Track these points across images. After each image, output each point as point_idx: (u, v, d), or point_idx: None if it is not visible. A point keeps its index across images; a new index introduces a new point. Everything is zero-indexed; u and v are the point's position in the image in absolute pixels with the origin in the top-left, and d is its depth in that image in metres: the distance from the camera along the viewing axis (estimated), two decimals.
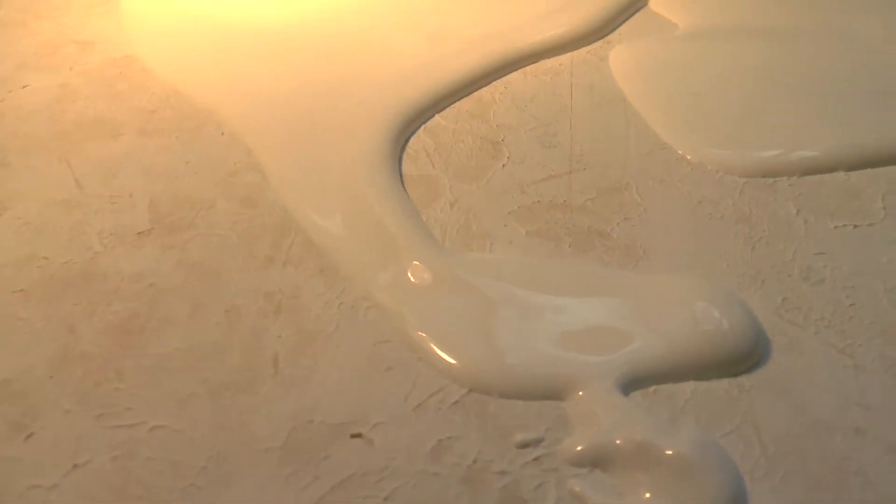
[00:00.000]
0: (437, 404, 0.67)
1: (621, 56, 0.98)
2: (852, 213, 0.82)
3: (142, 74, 1.04)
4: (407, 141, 0.90)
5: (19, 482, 0.62)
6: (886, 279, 0.75)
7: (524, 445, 0.64)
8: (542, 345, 0.69)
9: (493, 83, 0.98)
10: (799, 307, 0.73)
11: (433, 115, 0.93)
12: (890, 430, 0.64)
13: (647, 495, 0.60)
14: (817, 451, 0.64)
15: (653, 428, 0.63)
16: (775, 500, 0.61)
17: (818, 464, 0.63)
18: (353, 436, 0.65)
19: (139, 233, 0.82)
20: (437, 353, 0.68)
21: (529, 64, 1.00)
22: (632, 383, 0.67)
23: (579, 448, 0.63)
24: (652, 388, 0.67)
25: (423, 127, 0.92)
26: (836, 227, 0.80)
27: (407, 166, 0.88)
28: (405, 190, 0.84)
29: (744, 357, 0.68)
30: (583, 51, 1.03)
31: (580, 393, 0.66)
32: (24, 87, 1.02)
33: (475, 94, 0.97)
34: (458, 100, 0.95)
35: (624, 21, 1.07)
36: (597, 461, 0.62)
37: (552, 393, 0.66)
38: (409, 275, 0.75)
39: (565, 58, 1.02)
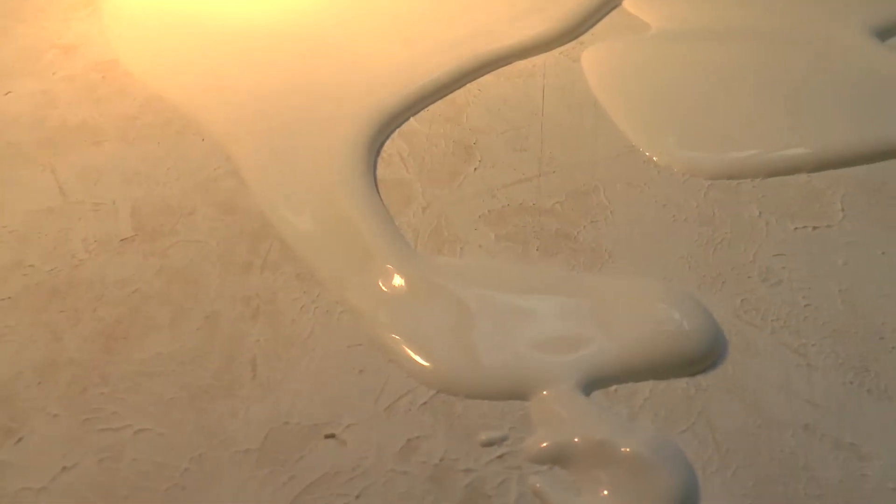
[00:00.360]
0: (407, 405, 0.70)
1: (593, 57, 1.00)
2: (812, 214, 0.84)
3: (124, 79, 1.06)
4: (382, 145, 0.93)
5: (9, 485, 0.65)
6: (841, 280, 0.78)
7: (489, 444, 0.67)
8: (506, 347, 0.71)
9: (467, 85, 1.00)
10: (757, 308, 0.76)
11: (408, 119, 0.95)
12: (836, 426, 0.68)
13: (605, 492, 0.64)
14: (768, 447, 0.67)
15: (611, 427, 0.66)
16: (726, 494, 0.64)
17: (768, 459, 0.66)
18: (327, 436, 0.68)
19: (122, 240, 0.85)
20: (406, 356, 0.71)
21: (503, 66, 1.02)
22: (593, 383, 0.70)
23: (541, 446, 0.66)
24: (613, 388, 0.71)
25: (397, 131, 0.95)
26: (796, 228, 0.83)
27: (382, 170, 0.91)
28: (379, 195, 0.87)
29: (701, 358, 0.71)
30: (556, 52, 1.05)
31: (543, 393, 0.69)
32: (6, 94, 1.03)
33: (449, 96, 0.99)
34: (433, 103, 0.97)
35: (597, 21, 1.09)
36: (557, 459, 0.65)
37: (516, 393, 0.69)
38: (381, 280, 0.78)
39: (539, 59, 1.04)
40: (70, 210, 0.88)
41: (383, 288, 0.77)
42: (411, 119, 0.96)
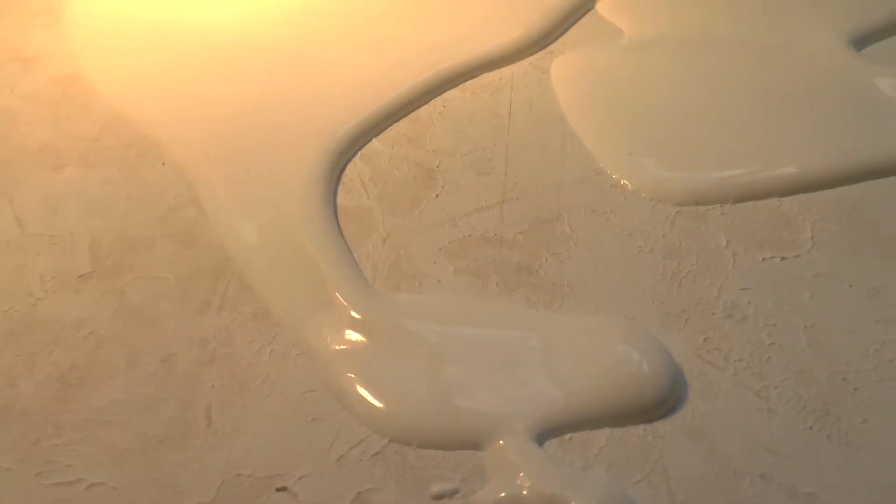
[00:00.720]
0: (359, 455, 0.69)
1: (563, 68, 0.97)
2: (781, 243, 0.82)
3: (85, 95, 1.03)
4: (343, 169, 0.90)
5: None
6: (807, 316, 0.76)
7: (439, 497, 0.67)
8: (459, 394, 0.71)
9: (432, 101, 0.97)
10: (719, 348, 0.75)
11: (370, 140, 0.93)
12: (793, 475, 0.67)
13: None
14: (723, 497, 0.66)
15: (563, 479, 0.66)
16: None
17: None
18: (279, 489, 0.68)
19: (80, 276, 0.84)
20: (359, 404, 0.71)
21: (470, 79, 0.98)
22: (547, 431, 0.69)
23: (492, 500, 0.66)
24: (568, 436, 0.70)
25: (359, 153, 0.92)
26: (763, 259, 0.81)
27: (342, 197, 0.88)
28: (339, 225, 0.85)
29: (659, 405, 0.70)
30: (525, 62, 1.01)
31: (498, 442, 0.69)
32: None
33: (414, 113, 0.96)
34: (397, 121, 0.94)
35: (569, 27, 1.04)
36: None
37: (469, 443, 0.69)
38: (337, 320, 0.76)
39: (506, 71, 1.01)
40: (27, 244, 0.87)
41: (339, 329, 0.76)
42: (374, 140, 0.93)
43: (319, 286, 0.79)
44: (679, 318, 0.77)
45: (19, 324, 0.80)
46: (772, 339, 0.75)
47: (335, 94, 0.97)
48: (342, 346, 0.75)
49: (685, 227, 0.84)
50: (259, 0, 1.13)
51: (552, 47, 1.04)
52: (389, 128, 0.95)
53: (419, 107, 0.96)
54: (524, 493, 0.65)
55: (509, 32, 1.01)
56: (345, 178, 0.91)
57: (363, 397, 0.71)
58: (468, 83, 1.00)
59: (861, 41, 0.98)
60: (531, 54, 1.02)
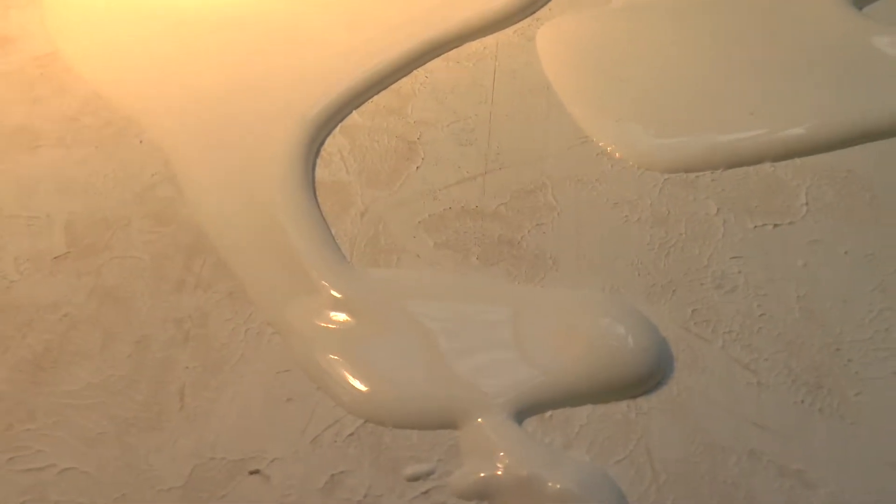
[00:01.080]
0: (334, 437, 0.68)
1: (548, 36, 0.93)
2: (774, 210, 0.78)
3: (63, 75, 1.01)
4: (322, 143, 0.88)
5: None
6: (800, 285, 0.73)
7: (415, 478, 0.65)
8: (436, 372, 0.68)
9: (415, 72, 0.94)
10: (708, 319, 0.72)
11: (350, 112, 0.90)
12: (783, 452, 0.64)
13: None
14: (709, 475, 0.64)
15: (540, 460, 0.63)
16: None
17: (708, 490, 0.63)
18: (252, 472, 0.67)
19: (55, 257, 0.82)
20: (332, 383, 0.69)
21: (453, 48, 0.95)
22: (527, 409, 0.67)
23: (467, 481, 0.64)
24: (548, 414, 0.68)
25: (339, 126, 0.90)
26: (755, 226, 0.77)
27: (321, 171, 0.86)
28: (317, 201, 0.83)
29: (643, 381, 0.68)
30: (510, 30, 0.97)
31: (475, 421, 0.66)
32: None
33: (395, 84, 0.93)
34: (378, 93, 0.92)
35: None
36: (484, 494, 0.63)
37: (445, 422, 0.67)
38: (312, 298, 0.74)
39: (490, 39, 0.97)
40: (3, 225, 0.85)
41: (314, 308, 0.74)
42: (354, 112, 0.91)
43: (295, 263, 0.77)
44: (666, 289, 0.74)
45: None
46: (763, 310, 0.72)
47: (313, 70, 0.94)
48: (317, 325, 0.73)
49: (674, 196, 0.80)
50: None
51: (539, 14, 1.00)
52: (370, 100, 0.92)
53: (401, 78, 0.93)
54: (499, 473, 0.63)
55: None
56: (323, 153, 0.88)
57: (338, 377, 0.69)
58: (451, 53, 0.96)
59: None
60: (517, 21, 0.99)
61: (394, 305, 0.73)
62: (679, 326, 0.71)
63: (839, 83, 0.86)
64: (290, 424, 0.69)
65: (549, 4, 1.01)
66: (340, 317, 0.73)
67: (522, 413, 0.67)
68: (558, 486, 0.61)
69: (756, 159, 0.80)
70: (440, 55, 0.95)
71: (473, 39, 0.96)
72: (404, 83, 0.94)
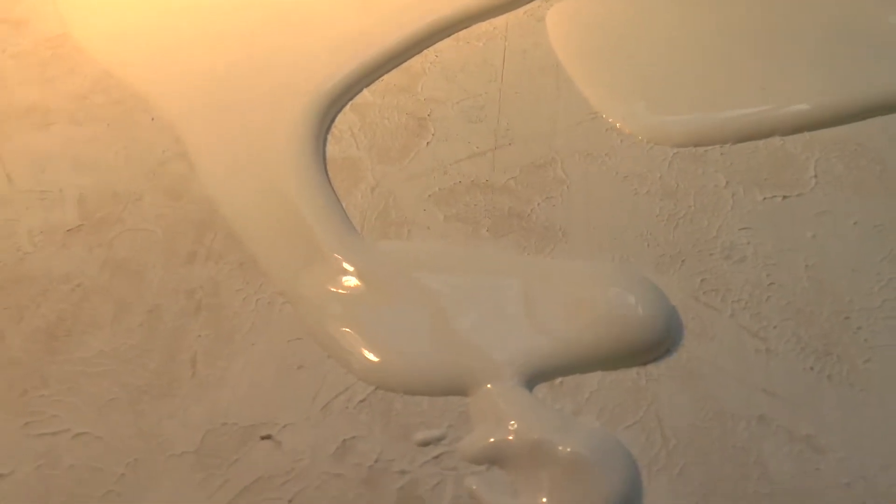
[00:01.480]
0: (344, 403, 0.68)
1: (559, 16, 0.93)
2: (783, 182, 0.79)
3: (75, 55, 1.02)
4: (333, 120, 0.89)
5: None
6: (808, 255, 0.73)
7: (425, 444, 0.65)
8: (446, 340, 0.69)
9: (425, 51, 0.94)
10: (717, 289, 0.72)
11: (361, 90, 0.91)
12: (792, 417, 0.64)
13: (543, 495, 0.62)
14: (719, 441, 0.64)
15: (551, 424, 0.64)
16: (671, 493, 0.62)
17: (718, 454, 0.63)
18: (263, 438, 0.67)
19: (68, 230, 0.83)
20: (343, 351, 0.69)
21: (463, 28, 0.96)
22: (537, 376, 0.67)
23: (478, 446, 0.64)
24: (559, 380, 0.68)
25: (350, 103, 0.90)
26: (764, 198, 0.78)
27: (331, 148, 0.87)
28: (328, 176, 0.83)
29: (653, 347, 0.68)
30: (520, 11, 0.98)
31: (485, 388, 0.67)
32: None
33: (405, 64, 0.93)
34: (388, 72, 0.92)
35: None
36: (495, 459, 0.63)
37: (456, 389, 0.67)
38: (323, 268, 0.75)
39: (500, 20, 0.97)
40: (17, 199, 0.86)
41: (324, 277, 0.74)
42: (364, 90, 0.91)
43: (307, 235, 0.77)
44: (675, 259, 0.74)
45: (7, 278, 0.79)
46: (771, 279, 0.72)
47: (324, 48, 0.94)
48: (328, 294, 0.73)
49: (683, 169, 0.81)
50: None
51: None
52: (380, 79, 0.92)
53: (411, 57, 0.94)
54: (510, 438, 0.64)
55: None
56: (334, 129, 0.88)
57: (349, 345, 0.70)
58: (461, 33, 0.97)
59: None
60: (527, 2, 0.99)
61: (404, 275, 0.73)
62: (688, 296, 0.72)
63: (850, 57, 0.86)
64: (301, 391, 0.69)
65: None
66: (351, 286, 0.74)
67: (532, 380, 0.67)
68: (569, 449, 0.62)
69: (765, 133, 0.80)
70: (450, 35, 0.95)
71: (483, 20, 0.96)
72: (414, 62, 0.94)
